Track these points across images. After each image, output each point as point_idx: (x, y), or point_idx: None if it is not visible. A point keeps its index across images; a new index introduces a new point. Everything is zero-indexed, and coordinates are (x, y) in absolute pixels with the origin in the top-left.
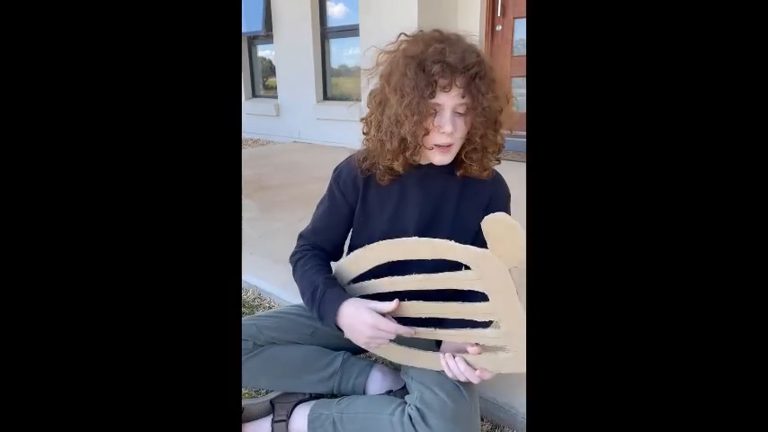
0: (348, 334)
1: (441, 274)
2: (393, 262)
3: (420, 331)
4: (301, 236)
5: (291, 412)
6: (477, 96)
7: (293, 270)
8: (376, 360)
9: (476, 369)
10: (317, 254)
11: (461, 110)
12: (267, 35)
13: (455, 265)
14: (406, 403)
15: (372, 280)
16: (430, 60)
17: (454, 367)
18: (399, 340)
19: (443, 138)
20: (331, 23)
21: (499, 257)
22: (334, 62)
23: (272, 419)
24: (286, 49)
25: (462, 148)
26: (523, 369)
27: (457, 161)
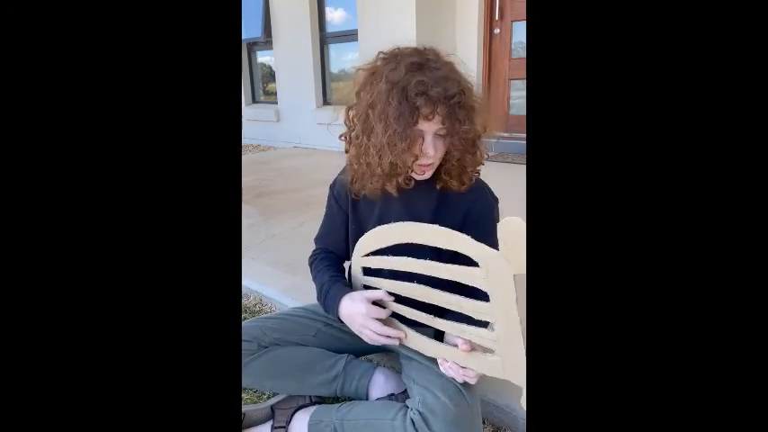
0: (347, 323)
1: (450, 265)
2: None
3: (420, 316)
4: (315, 240)
5: (291, 418)
6: (456, 124)
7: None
8: (378, 363)
9: (462, 368)
10: (325, 256)
11: (441, 132)
12: (267, 41)
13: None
14: (407, 407)
15: (389, 256)
16: (413, 92)
17: (446, 367)
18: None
19: (425, 159)
20: (330, 29)
21: (509, 262)
22: (334, 67)
23: (272, 425)
24: (286, 55)
25: (441, 164)
26: (508, 377)
27: (436, 176)
